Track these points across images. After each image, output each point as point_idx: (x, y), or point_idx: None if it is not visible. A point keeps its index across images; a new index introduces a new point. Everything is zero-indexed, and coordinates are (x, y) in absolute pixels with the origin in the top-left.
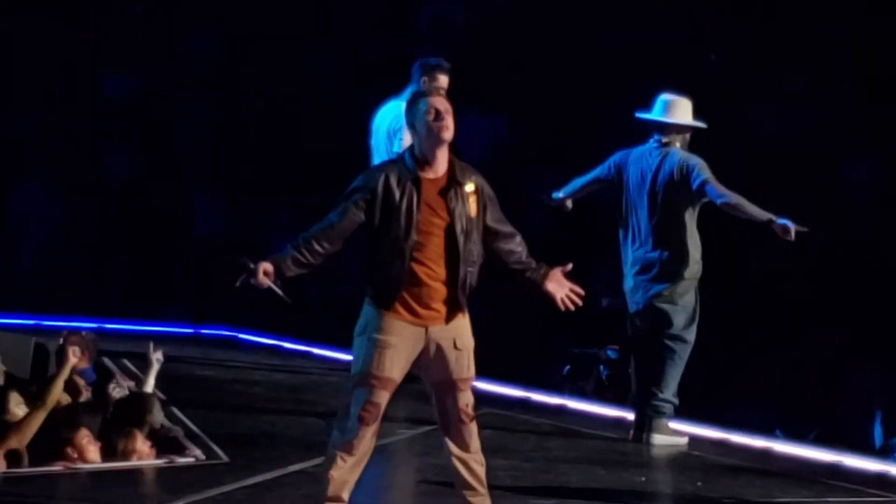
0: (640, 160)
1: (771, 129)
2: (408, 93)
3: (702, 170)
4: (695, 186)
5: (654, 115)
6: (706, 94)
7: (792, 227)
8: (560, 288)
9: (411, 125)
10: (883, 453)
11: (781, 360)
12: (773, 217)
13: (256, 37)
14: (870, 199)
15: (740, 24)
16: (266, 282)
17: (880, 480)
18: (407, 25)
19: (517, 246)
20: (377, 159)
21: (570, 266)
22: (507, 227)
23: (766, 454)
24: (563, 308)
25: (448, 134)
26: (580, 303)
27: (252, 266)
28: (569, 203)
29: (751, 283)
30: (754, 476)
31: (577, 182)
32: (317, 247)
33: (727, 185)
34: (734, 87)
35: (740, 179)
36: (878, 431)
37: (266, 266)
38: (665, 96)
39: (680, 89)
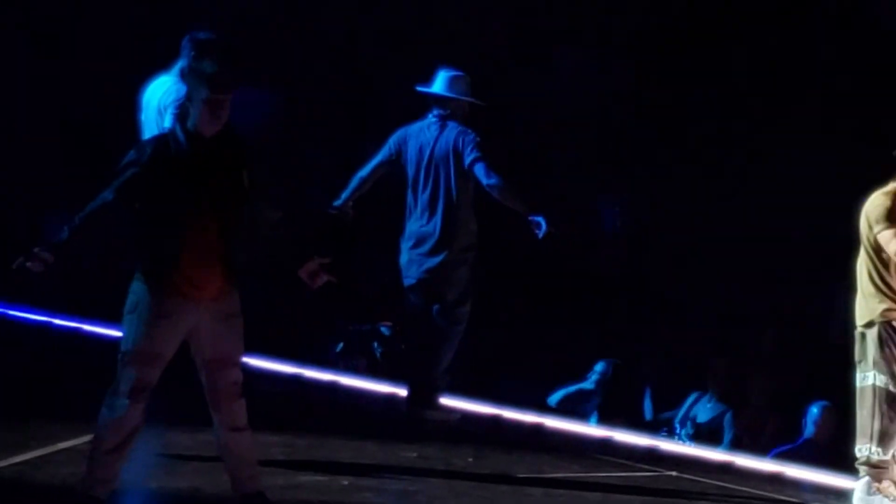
0: (419, 134)
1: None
2: (177, 68)
3: (476, 147)
4: (466, 162)
5: (435, 88)
6: (487, 69)
7: (543, 227)
8: (313, 278)
9: (188, 98)
10: (652, 428)
11: (553, 336)
12: (529, 212)
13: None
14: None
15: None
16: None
17: (650, 455)
18: None
19: (278, 222)
20: (147, 135)
21: (327, 260)
22: (273, 204)
23: (537, 430)
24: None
25: (223, 112)
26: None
27: (39, 251)
28: (350, 209)
29: (524, 259)
30: (525, 451)
31: (359, 176)
32: (94, 225)
33: (502, 163)
34: (518, 65)
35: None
36: (647, 407)
37: (45, 255)
38: (445, 71)
39: (459, 65)
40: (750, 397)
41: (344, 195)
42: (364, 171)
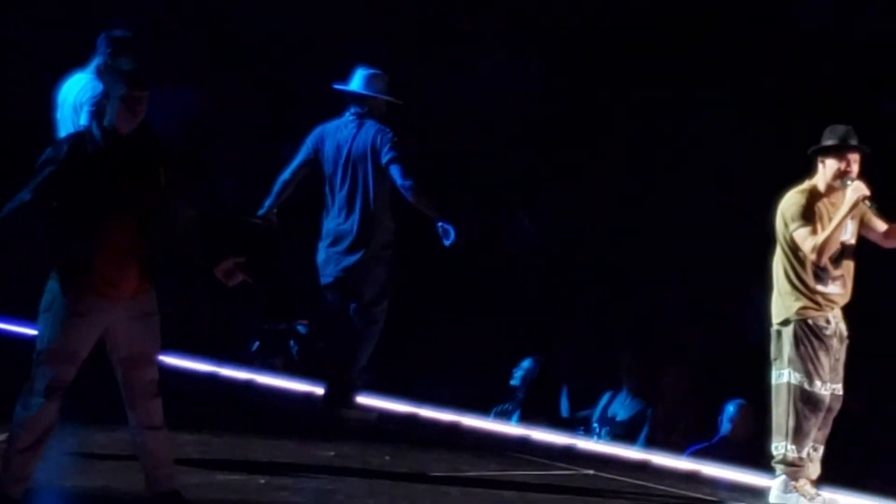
0: (336, 133)
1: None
2: (93, 65)
3: (394, 147)
4: (383, 161)
5: (353, 86)
6: (408, 72)
7: (452, 236)
8: (228, 277)
9: (105, 95)
10: (569, 427)
11: (470, 334)
12: (440, 218)
13: None
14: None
15: None
16: None
17: (567, 453)
18: None
19: (194, 220)
20: (63, 133)
21: (242, 259)
22: (189, 202)
23: (454, 428)
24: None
25: (140, 109)
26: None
27: None
28: (275, 216)
29: (441, 257)
30: (443, 450)
31: (281, 180)
32: (12, 225)
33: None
34: (437, 64)
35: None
36: (564, 405)
37: None
38: (363, 69)
39: (376, 63)
40: (664, 394)
41: (267, 203)
42: (286, 175)
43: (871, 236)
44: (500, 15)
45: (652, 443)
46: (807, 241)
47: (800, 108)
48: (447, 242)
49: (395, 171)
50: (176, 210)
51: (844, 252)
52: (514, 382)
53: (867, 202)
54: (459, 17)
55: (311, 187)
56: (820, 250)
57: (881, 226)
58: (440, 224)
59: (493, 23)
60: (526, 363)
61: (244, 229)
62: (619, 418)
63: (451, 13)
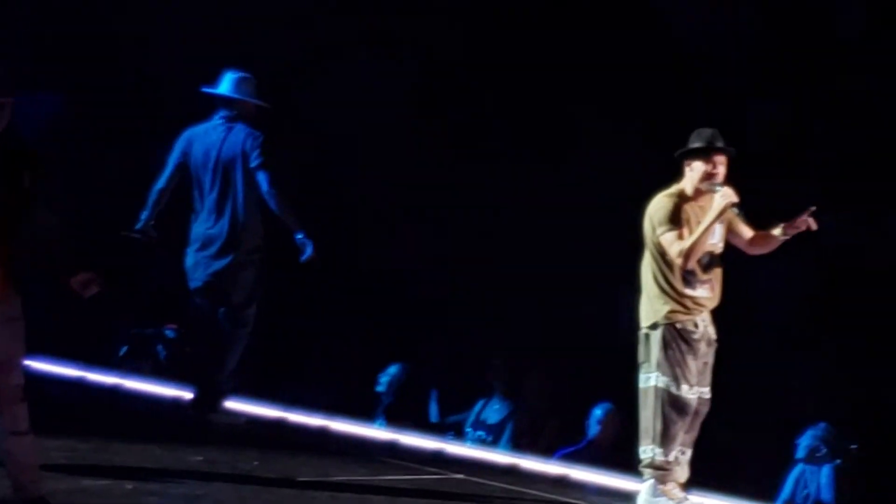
0: (205, 136)
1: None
2: None
3: (263, 152)
4: (251, 165)
5: (222, 90)
6: (273, 74)
7: (308, 252)
8: (84, 288)
9: None
10: (439, 431)
11: (339, 338)
12: (300, 231)
13: None
14: None
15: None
16: None
17: (436, 458)
18: None
19: (56, 227)
20: None
21: (100, 271)
22: (52, 208)
23: (322, 432)
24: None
25: (4, 114)
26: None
27: None
28: (152, 229)
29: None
30: (311, 454)
31: (156, 190)
32: None
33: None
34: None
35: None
36: (433, 410)
37: None
38: (232, 73)
39: (246, 67)
40: (528, 397)
41: (144, 215)
42: (160, 184)
43: (737, 242)
44: (372, 20)
45: (518, 446)
46: (673, 246)
47: (668, 111)
48: (302, 257)
49: (261, 177)
50: (39, 215)
51: (713, 256)
52: (380, 388)
53: (735, 209)
54: (330, 22)
55: (179, 191)
56: (686, 255)
57: (747, 232)
58: (299, 237)
59: (364, 28)
60: (392, 369)
61: (124, 243)
62: (489, 422)
63: (321, 18)
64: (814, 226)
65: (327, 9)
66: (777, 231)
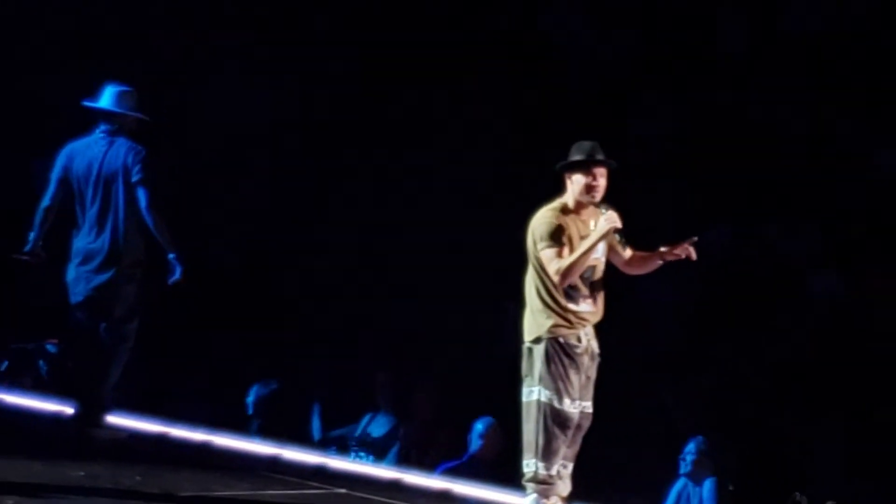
0: (86, 150)
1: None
2: None
3: (144, 167)
4: (133, 180)
5: (102, 103)
6: (156, 86)
7: (177, 275)
8: None
9: None
10: (322, 446)
11: (222, 353)
12: (173, 252)
13: None
14: None
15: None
16: None
17: (319, 473)
18: None
19: None
20: None
21: None
22: None
23: (205, 448)
24: None
25: None
26: None
27: None
28: (41, 250)
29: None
30: (194, 469)
31: (42, 209)
32: None
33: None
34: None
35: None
36: (316, 425)
37: None
38: (113, 86)
39: (127, 80)
40: (414, 412)
41: (33, 236)
42: (45, 202)
43: (615, 260)
44: (255, 34)
45: (406, 461)
46: (552, 263)
47: (552, 125)
48: (170, 279)
49: (141, 194)
50: None
51: (596, 271)
52: (249, 412)
53: (618, 235)
54: (213, 36)
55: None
56: (564, 273)
57: (626, 253)
58: (171, 257)
59: (245, 42)
60: (255, 389)
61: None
62: (374, 436)
63: (205, 32)
64: (693, 255)
65: (205, 22)
66: (656, 255)
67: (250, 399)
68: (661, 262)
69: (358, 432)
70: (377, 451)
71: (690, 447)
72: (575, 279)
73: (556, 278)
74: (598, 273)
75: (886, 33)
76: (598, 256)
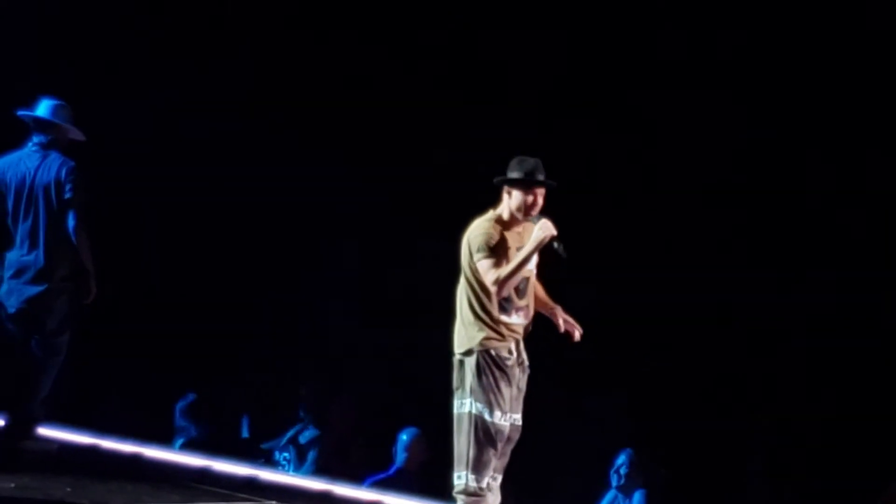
0: (19, 163)
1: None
2: None
3: (76, 185)
4: (64, 197)
5: (40, 112)
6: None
7: (92, 295)
8: None
9: None
10: (250, 457)
11: (153, 365)
12: (89, 276)
13: None
14: None
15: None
16: None
17: (249, 484)
18: None
19: None
20: None
21: None
22: None
23: (136, 459)
24: None
25: None
26: None
27: None
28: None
29: (122, 287)
30: (124, 481)
31: None
32: None
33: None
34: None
35: None
36: (245, 436)
37: None
38: (49, 99)
39: (60, 95)
40: (332, 423)
41: None
42: None
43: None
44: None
45: (325, 471)
46: (489, 273)
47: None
48: (87, 299)
49: (70, 212)
50: None
51: (528, 283)
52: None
53: (555, 242)
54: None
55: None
56: (502, 283)
57: (539, 291)
58: (88, 281)
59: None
60: (180, 404)
61: None
62: (300, 448)
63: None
64: (574, 338)
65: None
66: (552, 309)
67: (177, 414)
68: (547, 315)
69: (283, 442)
70: (299, 454)
71: (622, 459)
72: (510, 290)
73: (493, 288)
74: (531, 285)
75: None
76: (531, 268)
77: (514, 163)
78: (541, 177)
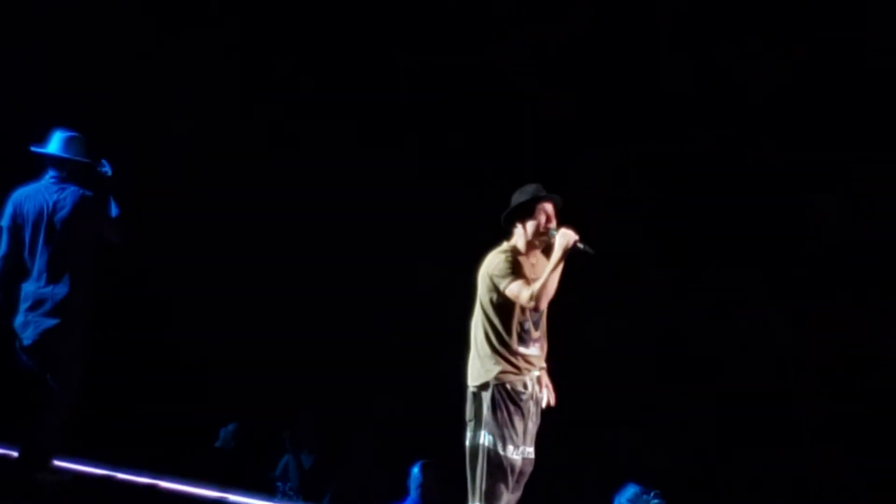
0: (36, 196)
1: None
2: None
3: (104, 209)
4: (101, 225)
5: (52, 149)
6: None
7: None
8: None
9: None
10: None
11: (170, 398)
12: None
13: None
14: None
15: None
16: None
17: None
18: None
19: None
20: None
21: None
22: None
23: (151, 490)
24: None
25: None
26: None
27: None
28: (1, 296)
29: (136, 320)
30: None
31: (1, 257)
32: None
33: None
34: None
35: None
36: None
37: None
38: (61, 132)
39: (74, 126)
40: (351, 455)
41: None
42: (3, 250)
43: None
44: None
45: (345, 500)
46: (523, 292)
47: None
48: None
49: (112, 232)
50: None
51: (542, 315)
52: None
53: (580, 244)
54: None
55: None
56: (538, 297)
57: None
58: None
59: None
60: (230, 427)
61: None
62: (299, 477)
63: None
64: (551, 403)
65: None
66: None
67: (221, 440)
68: None
69: (280, 469)
70: (305, 489)
71: (625, 495)
72: (545, 303)
73: (530, 304)
74: (544, 318)
75: None
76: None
77: (514, 196)
78: (544, 193)
